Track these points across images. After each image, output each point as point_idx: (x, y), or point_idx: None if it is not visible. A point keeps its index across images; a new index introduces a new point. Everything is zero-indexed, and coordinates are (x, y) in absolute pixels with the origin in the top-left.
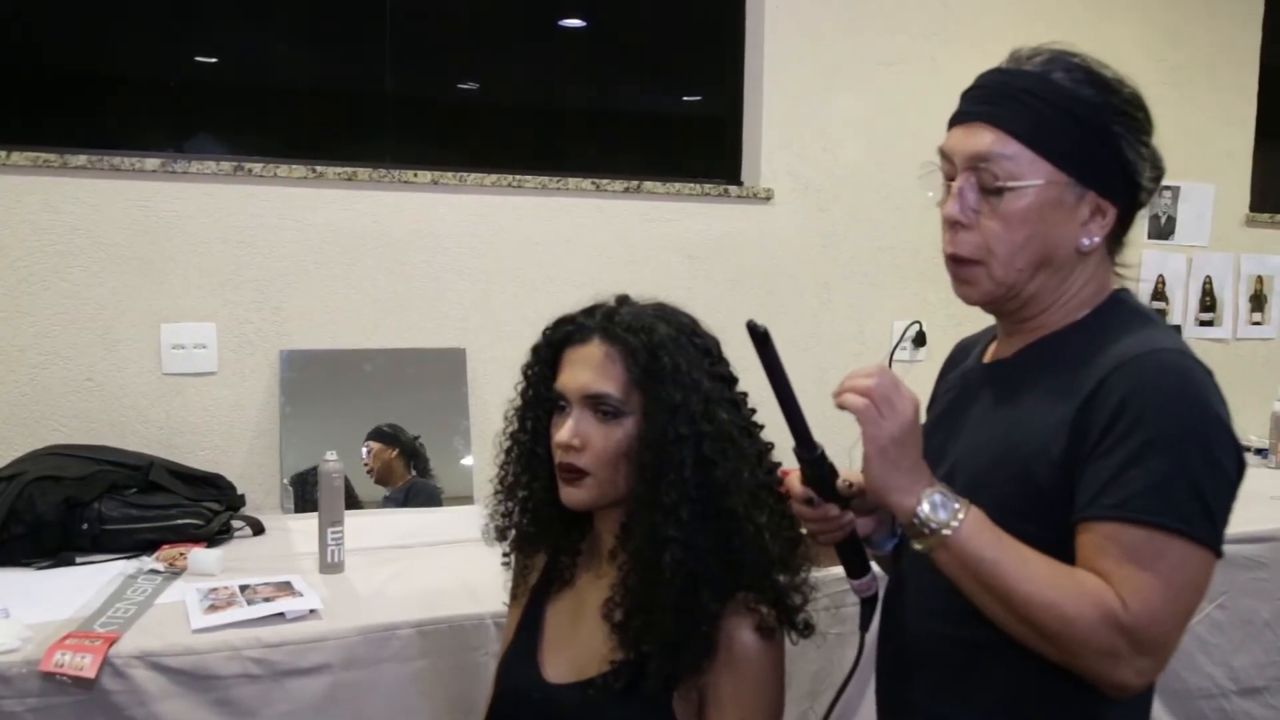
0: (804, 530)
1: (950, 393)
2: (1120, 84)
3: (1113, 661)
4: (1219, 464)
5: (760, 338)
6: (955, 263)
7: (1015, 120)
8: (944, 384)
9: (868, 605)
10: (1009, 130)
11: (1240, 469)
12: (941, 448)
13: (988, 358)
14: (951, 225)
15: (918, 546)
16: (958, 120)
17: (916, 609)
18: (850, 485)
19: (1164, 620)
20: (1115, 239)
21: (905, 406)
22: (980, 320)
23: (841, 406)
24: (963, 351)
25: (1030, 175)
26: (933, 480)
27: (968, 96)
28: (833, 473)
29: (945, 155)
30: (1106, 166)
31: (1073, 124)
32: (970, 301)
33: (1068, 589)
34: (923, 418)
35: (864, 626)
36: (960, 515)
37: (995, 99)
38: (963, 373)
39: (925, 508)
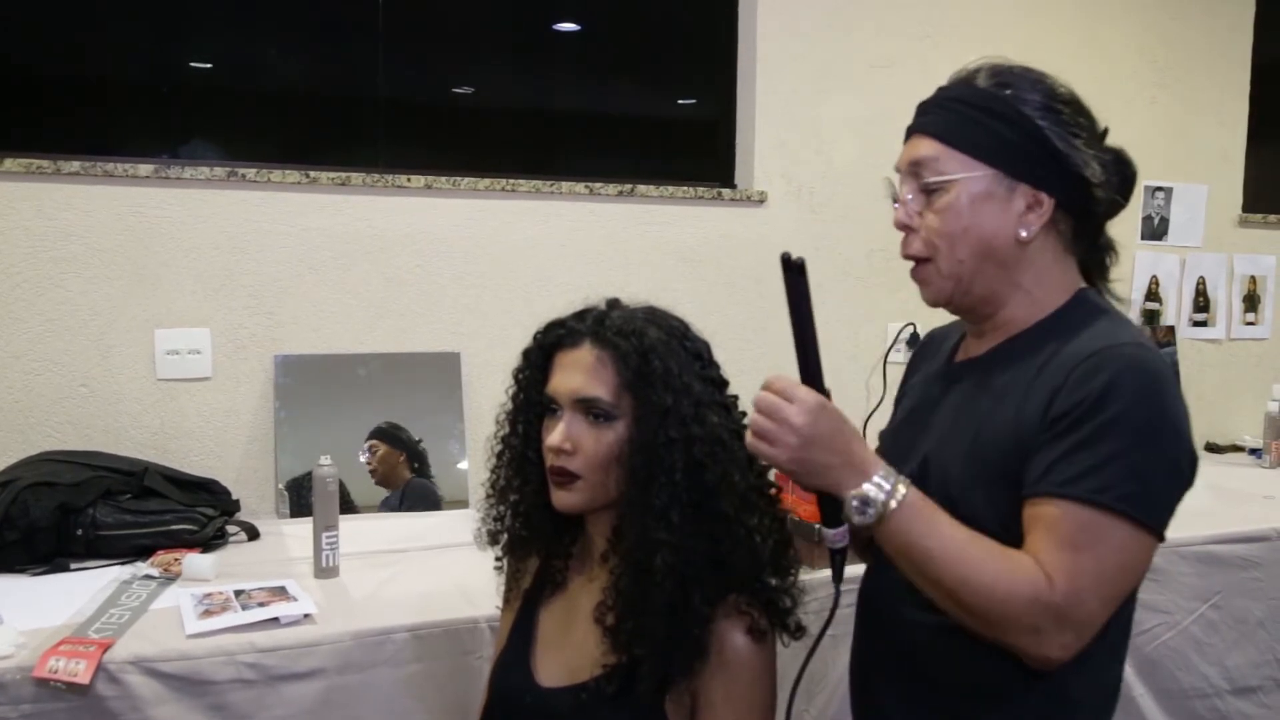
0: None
1: (919, 391)
2: (1043, 83)
3: (1036, 638)
4: (1166, 455)
5: (797, 268)
6: (912, 265)
7: (938, 125)
8: (915, 375)
9: (840, 556)
10: (933, 134)
11: (1191, 466)
12: (911, 444)
13: (959, 356)
14: (901, 229)
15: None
16: (905, 138)
17: (890, 596)
18: None
19: (1089, 601)
20: (1080, 238)
21: (795, 419)
22: None
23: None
24: (934, 342)
25: (952, 171)
26: (869, 465)
27: (915, 116)
28: None
29: (897, 171)
30: (1035, 158)
31: (992, 119)
32: (931, 302)
33: (1001, 571)
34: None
35: (838, 578)
36: (899, 495)
37: (927, 111)
38: (934, 371)
39: (868, 488)
